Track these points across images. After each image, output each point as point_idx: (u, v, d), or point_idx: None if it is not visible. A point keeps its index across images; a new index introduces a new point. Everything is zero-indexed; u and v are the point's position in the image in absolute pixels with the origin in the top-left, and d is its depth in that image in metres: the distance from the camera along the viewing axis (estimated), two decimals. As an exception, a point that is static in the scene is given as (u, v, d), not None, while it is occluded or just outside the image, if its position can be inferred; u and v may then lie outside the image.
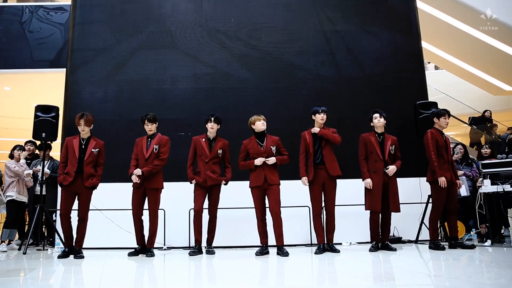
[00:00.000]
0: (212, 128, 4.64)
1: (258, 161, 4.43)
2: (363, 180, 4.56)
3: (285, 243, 4.40)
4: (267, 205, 4.46)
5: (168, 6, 6.21)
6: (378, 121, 4.61)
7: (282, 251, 4.29)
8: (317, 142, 4.53)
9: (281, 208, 4.39)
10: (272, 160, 4.44)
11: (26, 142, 6.13)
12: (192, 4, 6.22)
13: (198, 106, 5.82)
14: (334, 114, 5.12)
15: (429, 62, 10.58)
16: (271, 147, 4.51)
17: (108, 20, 6.19)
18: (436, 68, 11.03)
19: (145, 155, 4.54)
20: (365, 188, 4.54)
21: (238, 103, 5.86)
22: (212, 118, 4.65)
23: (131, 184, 4.58)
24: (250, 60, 6.07)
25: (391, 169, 4.51)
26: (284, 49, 6.10)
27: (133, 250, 4.57)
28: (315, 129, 4.55)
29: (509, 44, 7.61)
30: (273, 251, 4.43)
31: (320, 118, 4.54)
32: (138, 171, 4.48)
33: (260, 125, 4.53)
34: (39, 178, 5.47)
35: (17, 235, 5.73)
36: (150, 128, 4.62)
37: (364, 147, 4.61)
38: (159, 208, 4.62)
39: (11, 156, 5.53)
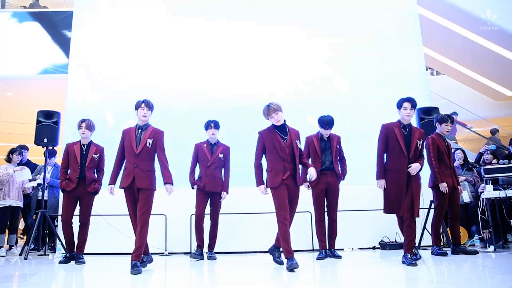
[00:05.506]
0: (213, 134, 4.66)
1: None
2: (377, 179, 3.93)
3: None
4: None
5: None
6: (408, 114, 3.85)
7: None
8: (325, 148, 4.50)
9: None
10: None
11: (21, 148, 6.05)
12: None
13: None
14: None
15: (430, 68, 10.58)
16: (296, 141, 3.71)
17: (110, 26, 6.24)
18: (437, 73, 11.04)
19: (135, 150, 3.76)
20: (384, 189, 3.91)
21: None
22: (212, 124, 4.67)
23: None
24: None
25: (414, 167, 3.80)
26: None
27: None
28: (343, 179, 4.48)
29: (510, 49, 7.61)
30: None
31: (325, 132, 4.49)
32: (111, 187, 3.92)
33: (274, 121, 3.70)
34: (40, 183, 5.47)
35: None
36: (145, 113, 3.82)
37: (384, 140, 3.87)
38: (161, 213, 4.59)
39: (9, 160, 5.49)
